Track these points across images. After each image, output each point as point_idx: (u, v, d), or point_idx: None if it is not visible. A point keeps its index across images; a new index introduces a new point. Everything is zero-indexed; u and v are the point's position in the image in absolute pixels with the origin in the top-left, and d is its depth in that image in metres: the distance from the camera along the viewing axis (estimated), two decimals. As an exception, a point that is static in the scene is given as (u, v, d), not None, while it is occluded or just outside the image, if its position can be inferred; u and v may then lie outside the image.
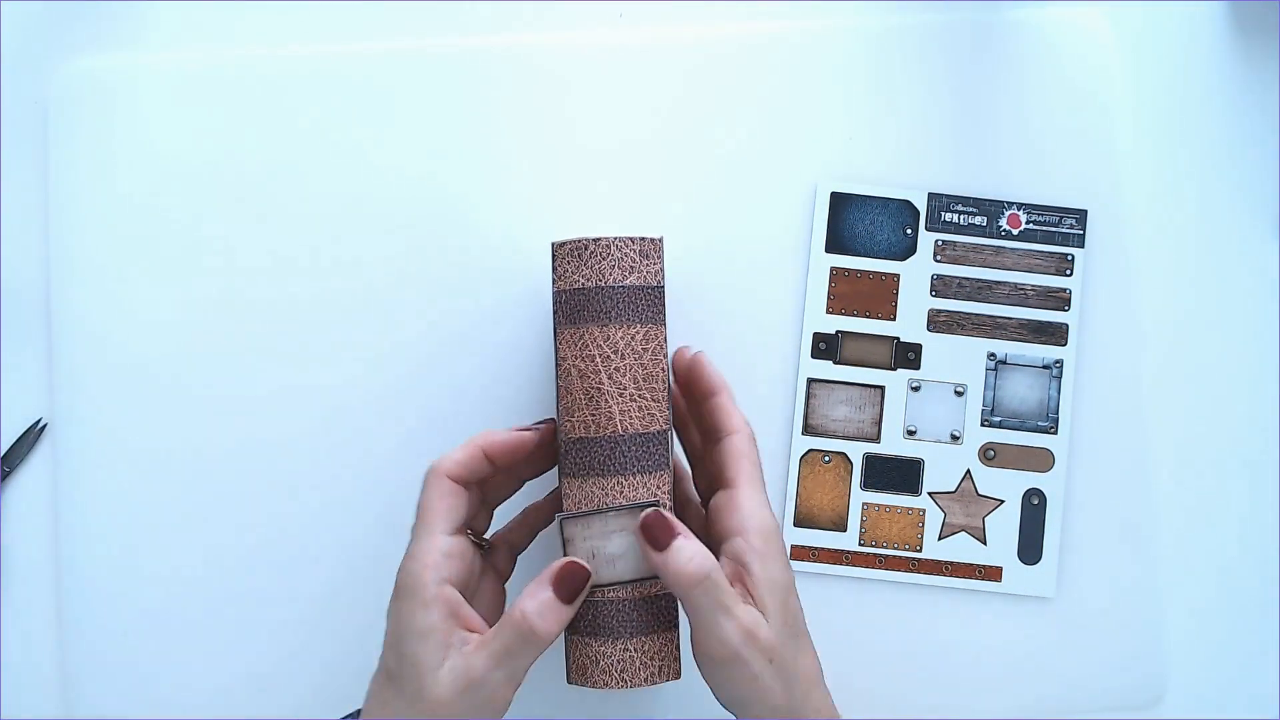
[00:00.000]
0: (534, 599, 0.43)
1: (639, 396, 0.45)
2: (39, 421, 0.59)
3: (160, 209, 0.59)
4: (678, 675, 0.46)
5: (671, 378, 0.50)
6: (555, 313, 0.47)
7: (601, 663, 0.45)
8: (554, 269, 0.47)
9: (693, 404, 0.50)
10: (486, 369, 0.58)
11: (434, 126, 0.59)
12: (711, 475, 0.49)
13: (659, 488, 0.46)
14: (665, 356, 0.47)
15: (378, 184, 0.59)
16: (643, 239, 0.47)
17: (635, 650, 0.45)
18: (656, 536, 0.44)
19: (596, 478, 0.45)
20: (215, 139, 0.59)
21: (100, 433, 0.58)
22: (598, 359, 0.45)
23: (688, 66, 0.60)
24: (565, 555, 0.45)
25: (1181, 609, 0.59)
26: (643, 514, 0.45)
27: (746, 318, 0.59)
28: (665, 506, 0.46)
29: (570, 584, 0.44)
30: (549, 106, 0.59)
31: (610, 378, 0.45)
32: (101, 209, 0.59)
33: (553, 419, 0.48)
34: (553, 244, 0.47)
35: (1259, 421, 0.59)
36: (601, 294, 0.46)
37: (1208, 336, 0.60)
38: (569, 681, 0.47)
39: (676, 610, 0.46)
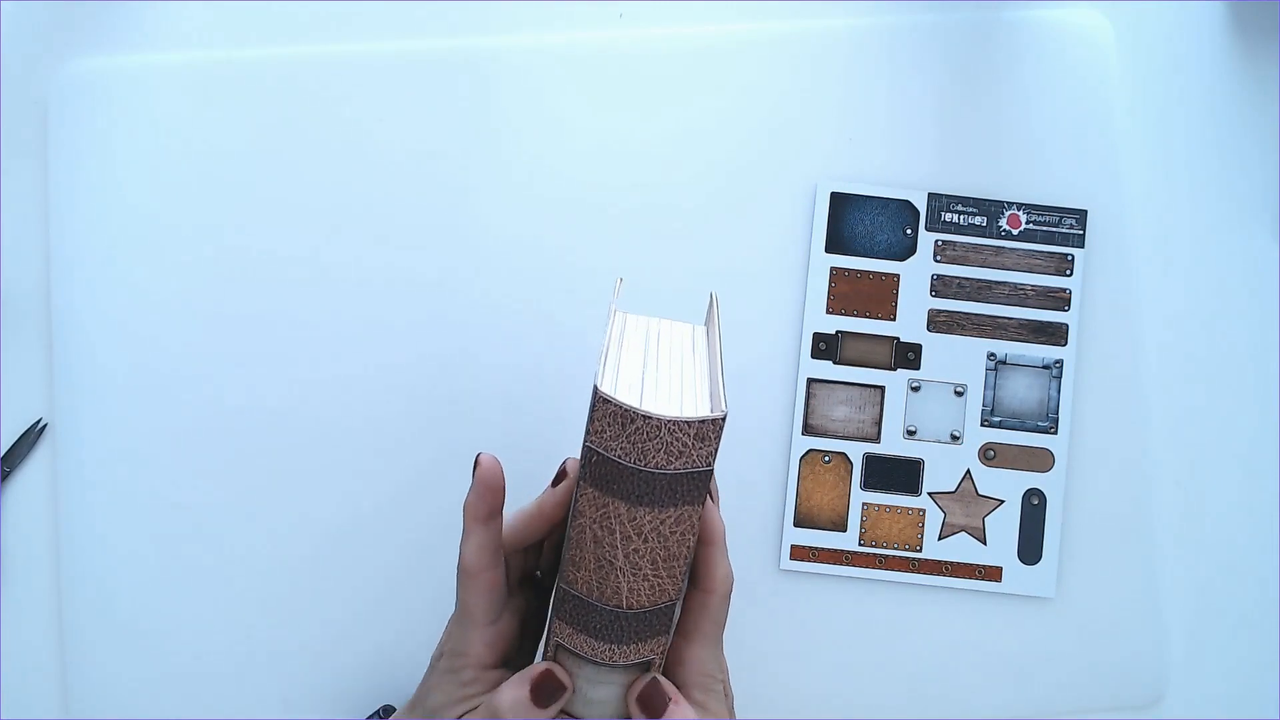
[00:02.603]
0: (512, 693, 0.43)
1: (653, 576, 0.40)
2: (39, 421, 0.59)
3: (160, 209, 0.59)
4: None
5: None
6: (582, 461, 0.39)
7: None
8: (591, 418, 0.38)
9: None
10: (487, 369, 0.58)
11: (434, 126, 0.59)
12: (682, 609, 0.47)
13: (655, 649, 0.42)
14: (694, 532, 0.40)
15: (378, 184, 0.59)
16: (702, 421, 0.37)
17: None
18: (653, 703, 0.43)
19: (590, 638, 0.41)
20: (215, 139, 0.59)
21: (100, 433, 0.58)
22: (618, 535, 0.39)
23: (688, 66, 0.60)
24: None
25: (1181, 609, 0.59)
26: (639, 685, 0.43)
27: (746, 318, 0.59)
28: (658, 664, 0.43)
29: (545, 692, 0.43)
30: (549, 106, 0.59)
31: (627, 558, 0.39)
32: (101, 209, 0.59)
33: (575, 459, 0.44)
34: (595, 391, 0.38)
35: (1259, 421, 0.59)
36: (638, 477, 0.38)
37: (1208, 336, 0.60)
38: None
39: None
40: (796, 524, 0.58)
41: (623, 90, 0.59)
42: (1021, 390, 0.59)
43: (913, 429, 0.58)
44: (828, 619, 0.58)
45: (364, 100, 0.59)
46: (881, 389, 0.59)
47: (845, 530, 0.58)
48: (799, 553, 0.58)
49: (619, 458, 0.38)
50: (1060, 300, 0.59)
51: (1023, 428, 0.58)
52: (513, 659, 0.46)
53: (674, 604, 0.41)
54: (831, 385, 0.59)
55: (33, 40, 0.60)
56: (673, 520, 0.39)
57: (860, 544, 0.58)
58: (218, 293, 0.59)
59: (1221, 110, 0.61)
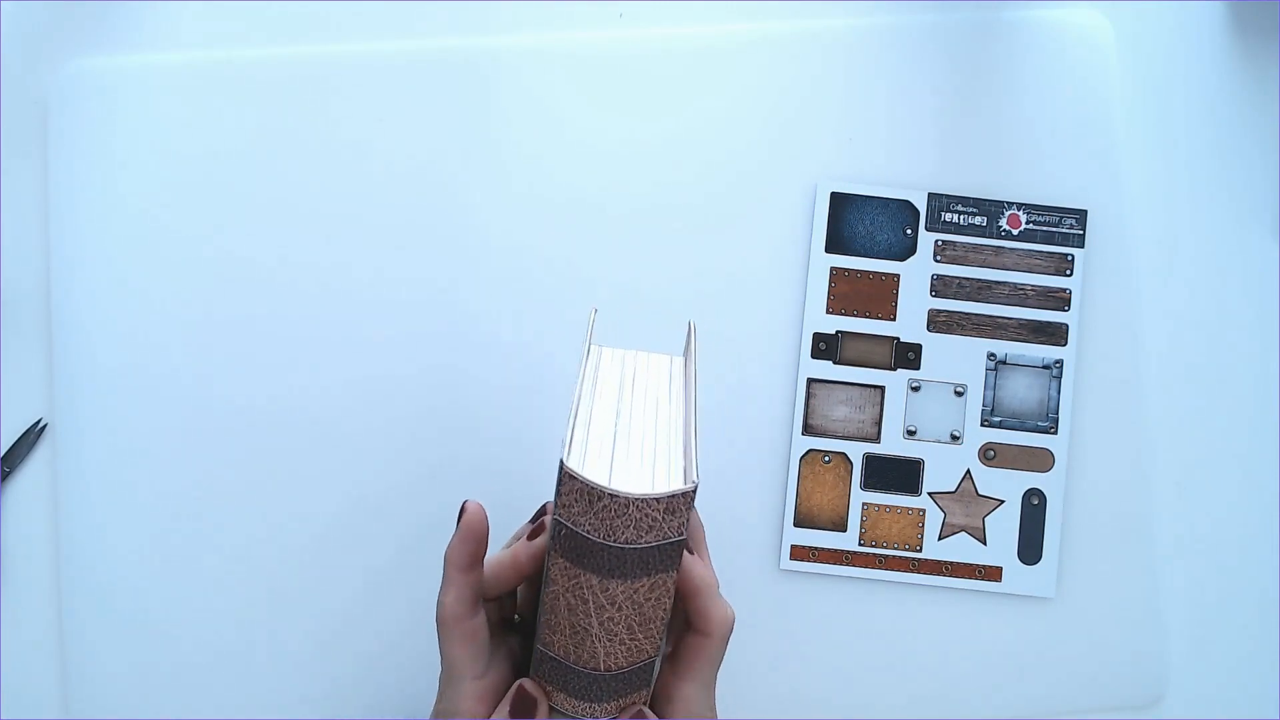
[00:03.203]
0: None
1: (630, 640, 0.39)
2: (39, 421, 0.59)
3: (160, 209, 0.59)
4: None
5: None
6: (552, 533, 0.39)
7: None
8: (558, 491, 0.37)
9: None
10: (488, 369, 0.58)
11: (434, 126, 0.59)
12: (676, 647, 0.46)
13: (638, 700, 0.42)
14: (670, 594, 0.39)
15: (378, 184, 0.59)
16: (672, 496, 0.36)
17: None
18: None
19: (570, 697, 0.41)
20: (215, 139, 0.59)
21: (100, 433, 0.58)
22: (591, 605, 0.38)
23: (688, 66, 0.60)
24: None
25: (1181, 609, 0.59)
26: (625, 716, 0.43)
27: (746, 318, 0.59)
28: (646, 713, 0.42)
29: (522, 710, 0.43)
30: (549, 106, 0.59)
31: (602, 625, 0.39)
32: (101, 209, 0.59)
33: (471, 502, 0.44)
34: (561, 462, 0.37)
35: (1259, 421, 0.59)
36: (608, 552, 0.37)
37: (1208, 336, 0.60)
38: None
39: None
40: (796, 524, 0.58)
41: (622, 91, 0.59)
42: (1021, 390, 0.59)
43: (913, 429, 0.58)
44: (828, 619, 0.58)
45: (364, 101, 0.59)
46: (881, 389, 0.59)
47: (845, 530, 0.58)
48: (799, 553, 0.58)
49: (588, 533, 0.37)
50: (1060, 300, 0.59)
51: (1023, 428, 0.58)
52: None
53: (653, 660, 0.41)
54: (831, 385, 0.59)
55: (33, 40, 0.60)
56: (646, 589, 0.38)
57: (860, 544, 0.58)
58: (217, 293, 0.59)
59: (1221, 110, 0.61)
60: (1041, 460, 0.58)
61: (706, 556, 0.46)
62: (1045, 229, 0.59)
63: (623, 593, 0.38)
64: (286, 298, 0.59)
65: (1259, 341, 0.60)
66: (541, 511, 0.45)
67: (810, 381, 0.59)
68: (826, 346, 0.59)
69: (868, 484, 0.58)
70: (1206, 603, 0.59)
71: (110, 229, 0.59)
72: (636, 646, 0.39)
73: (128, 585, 0.58)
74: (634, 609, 0.38)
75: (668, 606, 0.39)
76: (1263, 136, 0.60)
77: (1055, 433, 0.58)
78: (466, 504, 0.43)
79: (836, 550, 0.58)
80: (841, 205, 0.59)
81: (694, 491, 0.37)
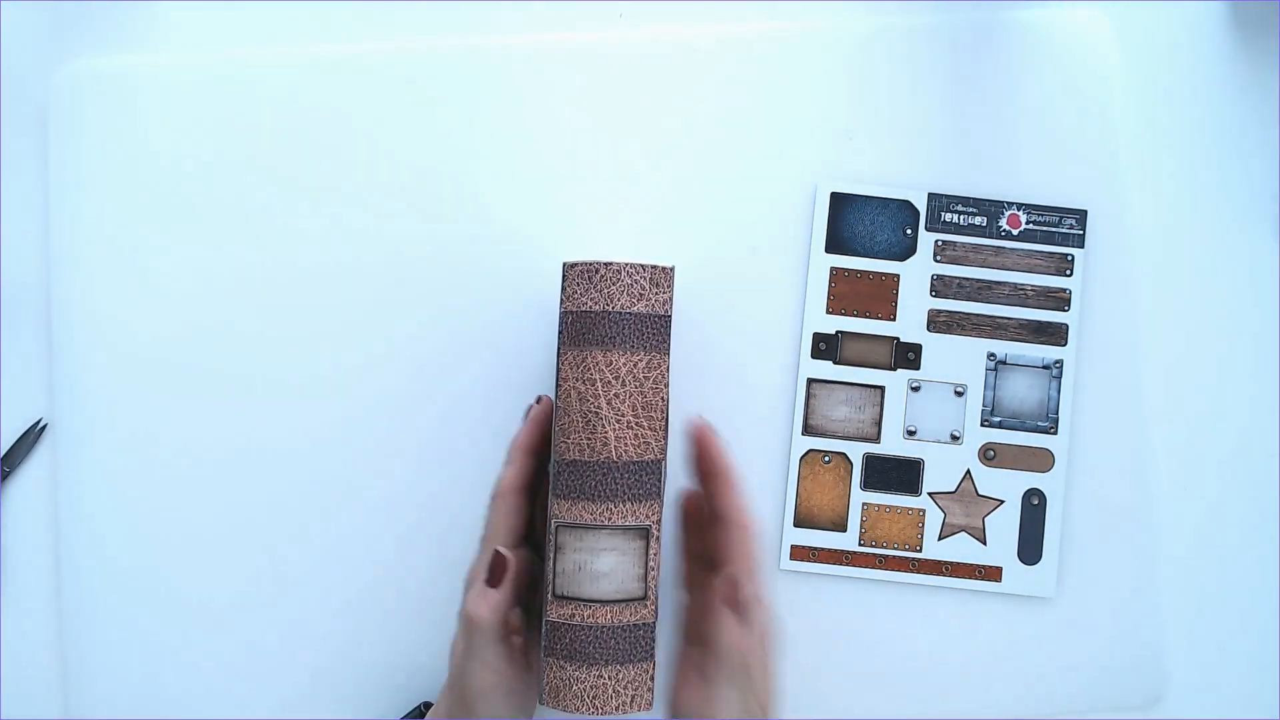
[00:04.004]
0: (470, 591, 0.47)
1: (636, 424, 0.45)
2: (39, 421, 0.59)
3: (160, 209, 0.59)
4: (649, 706, 0.46)
5: (669, 411, 0.51)
6: (560, 333, 0.46)
7: (575, 687, 0.45)
8: (563, 289, 0.47)
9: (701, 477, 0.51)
10: (490, 367, 0.58)
11: (433, 126, 0.59)
12: (710, 546, 0.50)
13: (649, 515, 0.46)
14: (666, 386, 0.46)
15: (377, 185, 0.59)
16: (654, 267, 0.46)
17: (609, 678, 0.45)
18: (732, 599, 0.47)
19: (587, 501, 0.45)
20: (216, 139, 0.59)
21: (100, 433, 0.58)
22: (598, 383, 0.45)
23: (688, 66, 0.60)
24: (554, 563, 0.46)
25: (1181, 609, 0.59)
26: (722, 586, 0.47)
27: (746, 318, 0.59)
28: (655, 534, 0.46)
29: (494, 570, 0.47)
30: (549, 106, 0.59)
31: (609, 403, 0.45)
32: (101, 209, 0.59)
33: (545, 396, 0.50)
34: (564, 264, 0.46)
35: (1259, 421, 0.59)
36: (607, 319, 0.45)
37: (1208, 336, 0.60)
38: (540, 702, 0.47)
39: (654, 642, 0.47)
40: (796, 524, 0.58)
41: (622, 90, 0.59)
42: (1021, 390, 0.59)
43: (913, 429, 0.58)
44: (828, 619, 0.58)
45: (363, 100, 0.59)
46: (881, 389, 0.59)
47: (845, 530, 0.58)
48: (799, 553, 0.58)
49: (589, 307, 0.45)
50: (1060, 300, 0.59)
51: (1023, 428, 0.58)
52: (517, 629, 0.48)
53: (659, 462, 0.45)
54: (831, 385, 0.59)
55: (33, 40, 0.60)
56: (644, 365, 0.45)
57: (860, 544, 0.58)
58: (218, 293, 0.59)
59: (1221, 110, 0.61)
60: (1041, 460, 0.58)
61: (736, 480, 0.50)
62: (1045, 229, 0.59)
63: (625, 365, 0.45)
64: (287, 297, 0.59)
65: (1259, 341, 0.60)
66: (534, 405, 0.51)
67: (810, 381, 0.59)
68: (826, 346, 0.59)
69: (868, 484, 0.58)
70: (1206, 603, 0.59)
71: (110, 229, 0.59)
72: (642, 436, 0.45)
73: (128, 585, 0.58)
74: (635, 385, 0.45)
75: (665, 396, 0.46)
76: (1263, 137, 0.60)
77: (1055, 433, 0.58)
78: (541, 398, 0.50)
79: (836, 550, 0.58)
80: (841, 205, 0.59)
81: (672, 270, 0.46)
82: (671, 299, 0.46)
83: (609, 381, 0.45)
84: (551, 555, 0.46)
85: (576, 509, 0.45)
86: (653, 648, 0.46)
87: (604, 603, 0.45)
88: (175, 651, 0.57)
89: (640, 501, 0.45)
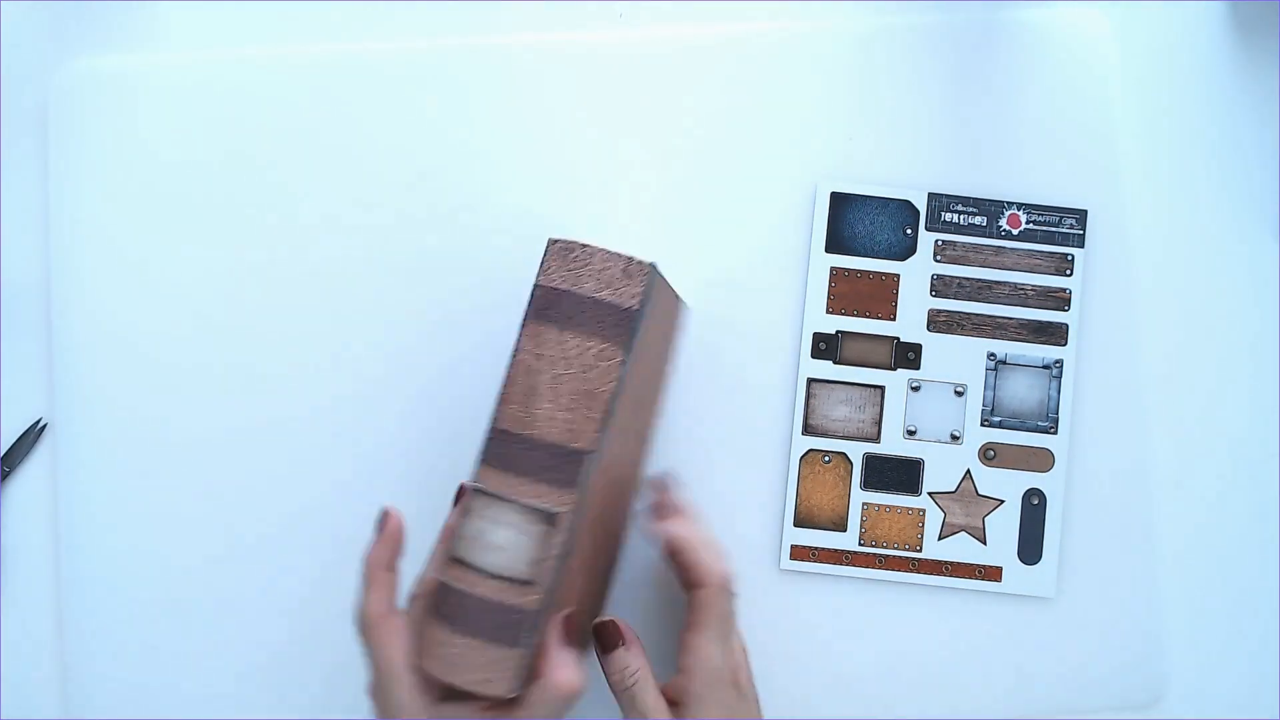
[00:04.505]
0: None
1: (571, 409, 0.45)
2: (39, 421, 0.59)
3: (160, 208, 0.59)
4: (505, 694, 0.44)
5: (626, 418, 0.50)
6: (528, 304, 0.46)
7: (437, 649, 0.45)
8: (541, 263, 0.47)
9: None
10: (493, 367, 0.58)
11: (433, 125, 0.59)
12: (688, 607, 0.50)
13: (561, 503, 0.44)
14: (618, 382, 0.45)
15: (378, 184, 0.59)
16: (630, 259, 0.45)
17: (471, 650, 0.44)
18: (604, 639, 0.49)
19: (504, 472, 0.45)
20: (216, 139, 0.59)
21: (100, 433, 0.58)
22: (544, 359, 0.45)
23: (688, 66, 0.60)
24: (459, 519, 0.45)
25: (1181, 609, 0.59)
26: (601, 625, 0.49)
27: (746, 318, 0.59)
28: (561, 524, 0.45)
29: (384, 535, 0.48)
30: (548, 106, 0.59)
31: (550, 382, 0.45)
32: (101, 209, 0.59)
33: (393, 510, 0.49)
34: (549, 239, 0.47)
35: (1259, 421, 0.59)
36: (570, 299, 0.45)
37: (1208, 336, 0.60)
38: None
39: (529, 634, 0.45)
40: (796, 524, 0.58)
41: (622, 90, 0.59)
42: (1021, 390, 0.59)
43: (913, 429, 0.58)
44: (828, 619, 0.58)
45: (363, 100, 0.59)
46: (881, 389, 0.59)
47: (845, 530, 0.58)
48: (799, 553, 0.58)
49: (557, 284, 0.45)
50: (1060, 300, 0.59)
51: (1023, 428, 0.58)
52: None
53: (587, 454, 0.45)
54: (831, 385, 0.59)
55: (33, 40, 0.60)
56: (595, 353, 0.45)
57: (860, 544, 0.58)
58: (218, 292, 0.59)
59: (1221, 110, 0.61)
60: (1041, 460, 0.58)
61: (695, 524, 0.51)
62: (1045, 229, 0.59)
63: (575, 348, 0.45)
64: (287, 297, 0.59)
65: (1259, 341, 0.60)
66: (460, 491, 0.50)
67: (810, 381, 0.59)
68: (826, 346, 0.59)
69: (868, 484, 0.58)
70: (1206, 603, 0.59)
71: (110, 229, 0.59)
72: (572, 424, 0.44)
73: (128, 585, 0.58)
74: (580, 371, 0.45)
75: (612, 391, 0.45)
76: (1263, 136, 0.60)
77: (1055, 433, 0.58)
78: (388, 511, 0.48)
79: (836, 550, 0.58)
80: (841, 205, 0.59)
81: (649, 267, 0.45)
82: (646, 295, 0.45)
83: (555, 360, 0.45)
84: (461, 515, 0.45)
85: (493, 477, 0.45)
86: (525, 639, 0.44)
87: (489, 576, 0.44)
88: (175, 651, 0.57)
89: (555, 487, 0.44)
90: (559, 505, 0.44)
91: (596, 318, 0.45)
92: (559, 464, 0.44)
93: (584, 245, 0.45)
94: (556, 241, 0.46)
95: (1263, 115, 0.61)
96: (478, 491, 0.45)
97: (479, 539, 0.44)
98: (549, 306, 0.45)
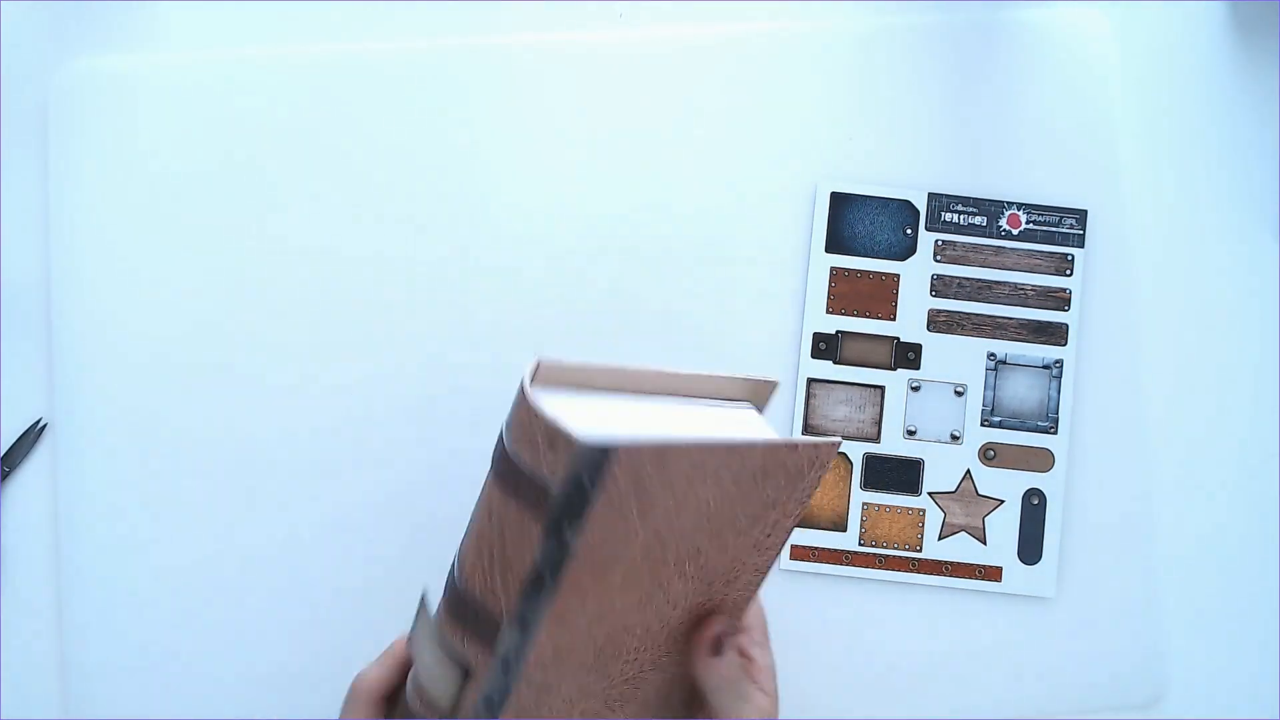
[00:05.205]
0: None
1: (488, 567, 0.41)
2: (39, 421, 0.59)
3: (160, 209, 0.59)
4: None
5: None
6: (494, 454, 0.41)
7: None
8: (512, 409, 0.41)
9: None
10: (491, 367, 0.58)
11: (433, 125, 0.59)
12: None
13: (474, 660, 0.42)
14: (531, 552, 0.39)
15: (377, 185, 0.59)
16: (556, 430, 0.37)
17: None
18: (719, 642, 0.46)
19: (442, 608, 0.43)
20: (216, 139, 0.59)
21: (100, 433, 0.58)
22: (480, 510, 0.41)
23: (688, 66, 0.60)
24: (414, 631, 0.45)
25: (1181, 609, 0.59)
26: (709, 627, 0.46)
27: (746, 318, 0.59)
28: (474, 677, 0.42)
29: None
30: (548, 106, 0.59)
31: (477, 535, 0.41)
32: (101, 209, 0.59)
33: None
34: (520, 384, 0.40)
35: (1259, 422, 0.59)
36: (503, 456, 0.40)
37: (1208, 336, 0.60)
38: None
39: None
40: (796, 524, 0.58)
41: (622, 90, 0.59)
42: (1021, 390, 0.59)
43: (913, 429, 0.58)
44: (828, 619, 0.58)
45: (363, 100, 0.59)
46: (881, 389, 0.59)
47: (845, 530, 0.58)
48: (799, 553, 0.58)
49: (503, 435, 0.40)
50: (1060, 300, 0.59)
51: (1023, 428, 0.58)
52: None
53: (497, 622, 0.41)
54: (831, 385, 0.59)
55: (33, 40, 0.60)
56: (514, 514, 0.39)
57: (860, 544, 0.58)
58: (218, 292, 0.59)
59: (1221, 110, 0.61)
60: (1041, 460, 0.58)
61: (759, 650, 0.48)
62: (1045, 229, 0.59)
63: (498, 506, 0.40)
64: (287, 296, 0.59)
65: (1259, 341, 0.60)
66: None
67: (810, 381, 0.59)
68: (826, 346, 0.59)
69: (868, 484, 0.58)
70: (1206, 603, 0.59)
71: (110, 229, 0.59)
72: (485, 580, 0.41)
73: (127, 585, 0.58)
74: (500, 530, 0.40)
75: (521, 568, 0.40)
76: (1263, 136, 0.60)
77: (1055, 433, 0.58)
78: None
79: (836, 550, 0.58)
80: (841, 205, 0.59)
81: (579, 444, 0.37)
82: (567, 476, 0.38)
83: (486, 516, 0.41)
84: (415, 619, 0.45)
85: (439, 608, 0.43)
86: None
87: (422, 689, 0.44)
88: (175, 651, 0.57)
89: (468, 640, 0.42)
90: (470, 661, 0.42)
91: (514, 479, 0.39)
92: (471, 613, 0.42)
93: (530, 407, 0.38)
94: (522, 390, 0.39)
95: (1263, 115, 0.61)
96: (422, 605, 0.44)
97: (418, 655, 0.44)
98: (496, 455, 0.41)
